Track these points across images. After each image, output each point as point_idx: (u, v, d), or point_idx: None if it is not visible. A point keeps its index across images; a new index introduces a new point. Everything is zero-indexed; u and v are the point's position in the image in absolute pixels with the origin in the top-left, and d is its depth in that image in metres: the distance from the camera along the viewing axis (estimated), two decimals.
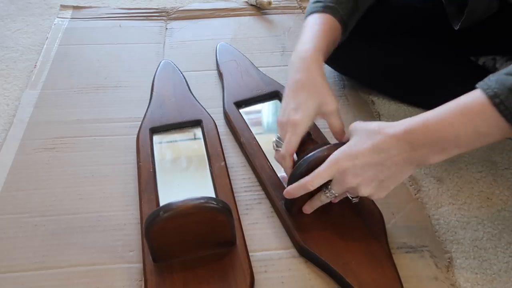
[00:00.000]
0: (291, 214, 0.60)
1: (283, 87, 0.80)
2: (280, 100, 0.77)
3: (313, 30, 0.63)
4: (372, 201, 0.62)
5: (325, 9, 0.65)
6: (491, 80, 0.44)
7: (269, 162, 0.68)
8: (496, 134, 0.45)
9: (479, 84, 0.45)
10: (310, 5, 0.67)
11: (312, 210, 0.58)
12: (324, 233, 0.58)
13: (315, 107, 0.58)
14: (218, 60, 0.93)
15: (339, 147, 0.52)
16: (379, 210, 0.61)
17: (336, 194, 0.54)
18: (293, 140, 0.58)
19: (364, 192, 0.51)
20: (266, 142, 0.71)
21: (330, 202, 0.57)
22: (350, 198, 0.55)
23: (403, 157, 0.48)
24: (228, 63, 0.91)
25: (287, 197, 0.56)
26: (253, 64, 0.90)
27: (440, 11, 0.71)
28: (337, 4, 0.65)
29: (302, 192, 0.54)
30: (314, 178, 0.52)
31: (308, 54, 0.61)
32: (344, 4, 0.65)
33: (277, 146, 0.61)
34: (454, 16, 0.69)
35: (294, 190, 0.55)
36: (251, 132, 0.74)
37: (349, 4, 0.66)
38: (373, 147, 0.49)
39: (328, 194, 0.54)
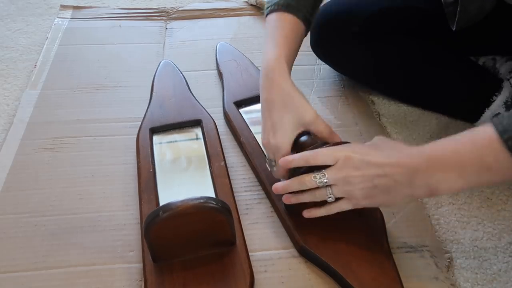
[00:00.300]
0: (291, 214, 0.60)
1: None
2: None
3: (275, 35, 0.61)
4: None
5: (287, 9, 0.61)
6: (504, 116, 0.44)
7: None
8: (502, 170, 0.43)
9: (492, 119, 0.45)
10: (268, 1, 0.64)
11: (292, 186, 0.54)
12: (324, 233, 0.58)
13: (292, 123, 0.57)
14: (218, 60, 0.93)
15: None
16: (380, 210, 0.61)
17: (326, 181, 0.51)
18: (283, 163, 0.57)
19: (353, 188, 0.50)
20: None
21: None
22: (328, 195, 0.52)
23: (408, 178, 0.47)
24: (228, 62, 0.91)
25: (282, 164, 0.54)
26: (253, 63, 0.90)
27: (440, 11, 0.71)
28: (297, 2, 0.61)
29: (300, 164, 0.53)
30: (317, 154, 0.51)
31: (271, 68, 0.59)
32: (304, 0, 0.62)
33: (270, 166, 0.61)
34: (452, 17, 0.69)
35: (293, 159, 0.53)
36: (251, 131, 0.74)
37: (309, 0, 0.63)
38: (386, 156, 0.49)
39: (318, 177, 0.51)
